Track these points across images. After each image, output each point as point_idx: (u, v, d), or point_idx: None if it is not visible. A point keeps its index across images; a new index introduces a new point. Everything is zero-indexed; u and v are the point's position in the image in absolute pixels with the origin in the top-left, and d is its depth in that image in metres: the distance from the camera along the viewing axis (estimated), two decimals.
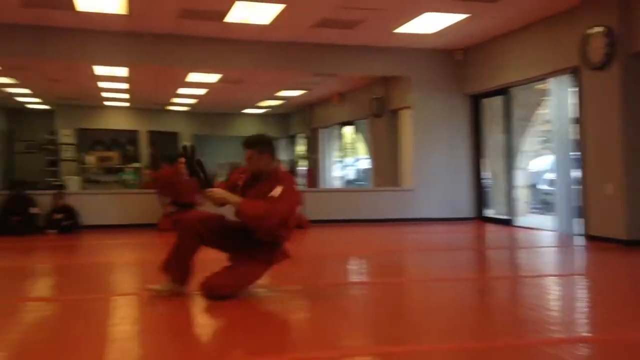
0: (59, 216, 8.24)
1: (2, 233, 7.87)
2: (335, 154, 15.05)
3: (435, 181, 9.86)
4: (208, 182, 3.85)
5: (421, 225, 9.37)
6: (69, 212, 8.34)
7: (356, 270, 5.63)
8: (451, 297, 4.16)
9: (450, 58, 9.84)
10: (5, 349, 2.84)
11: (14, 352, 2.82)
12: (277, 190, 3.64)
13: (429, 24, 8.14)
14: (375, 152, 12.06)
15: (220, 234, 3.82)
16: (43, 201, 8.42)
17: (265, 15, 7.71)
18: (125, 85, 12.64)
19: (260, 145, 3.88)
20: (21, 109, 16.46)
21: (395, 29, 8.42)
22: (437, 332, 3.19)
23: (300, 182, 14.62)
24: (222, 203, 3.70)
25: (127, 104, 16.12)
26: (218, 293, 3.70)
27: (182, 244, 3.78)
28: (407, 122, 10.54)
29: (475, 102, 9.92)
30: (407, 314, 3.80)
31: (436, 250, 6.85)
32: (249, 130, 17.82)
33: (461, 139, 9.93)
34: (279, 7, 7.36)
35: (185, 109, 16.55)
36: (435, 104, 9.93)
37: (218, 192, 3.72)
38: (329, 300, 3.97)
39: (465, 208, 9.88)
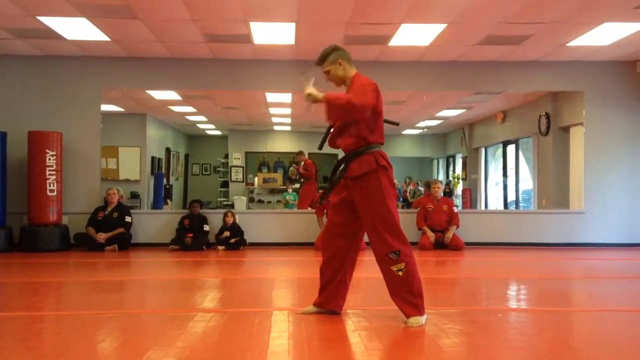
0: (227, 234, 8.86)
1: (178, 249, 8.63)
2: (496, 174, 14.45)
3: (611, 204, 9.12)
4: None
5: (592, 250, 8.68)
6: (237, 230, 8.92)
7: (515, 297, 5.34)
8: (624, 329, 3.80)
9: (632, 69, 9.08)
10: (173, 355, 3.06)
11: (180, 358, 3.02)
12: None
13: (607, 34, 7.59)
14: (540, 172, 11.41)
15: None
16: (214, 219, 9.10)
17: (427, 36, 7.71)
18: (288, 111, 13.36)
19: (329, 55, 3.83)
20: (198, 135, 18.23)
21: (568, 42, 7.96)
22: None
23: (458, 203, 14.22)
24: (314, 101, 3.71)
25: (289, 128, 16.98)
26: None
27: (325, 263, 3.95)
28: (578, 139, 9.85)
29: None
30: (572, 345, 3.52)
31: (610, 278, 6.29)
32: (407, 150, 17.81)
33: None
34: (441, 27, 7.33)
35: None
36: (612, 120, 9.23)
37: (310, 91, 3.69)
38: (486, 327, 3.82)
39: None
